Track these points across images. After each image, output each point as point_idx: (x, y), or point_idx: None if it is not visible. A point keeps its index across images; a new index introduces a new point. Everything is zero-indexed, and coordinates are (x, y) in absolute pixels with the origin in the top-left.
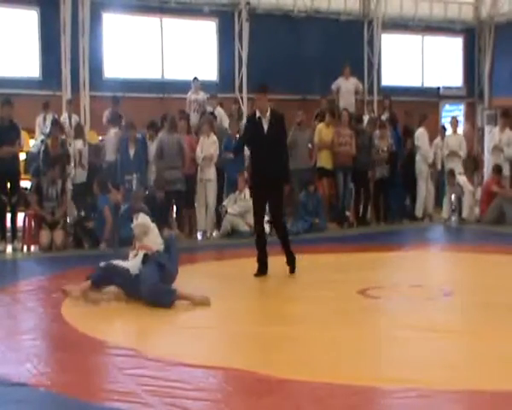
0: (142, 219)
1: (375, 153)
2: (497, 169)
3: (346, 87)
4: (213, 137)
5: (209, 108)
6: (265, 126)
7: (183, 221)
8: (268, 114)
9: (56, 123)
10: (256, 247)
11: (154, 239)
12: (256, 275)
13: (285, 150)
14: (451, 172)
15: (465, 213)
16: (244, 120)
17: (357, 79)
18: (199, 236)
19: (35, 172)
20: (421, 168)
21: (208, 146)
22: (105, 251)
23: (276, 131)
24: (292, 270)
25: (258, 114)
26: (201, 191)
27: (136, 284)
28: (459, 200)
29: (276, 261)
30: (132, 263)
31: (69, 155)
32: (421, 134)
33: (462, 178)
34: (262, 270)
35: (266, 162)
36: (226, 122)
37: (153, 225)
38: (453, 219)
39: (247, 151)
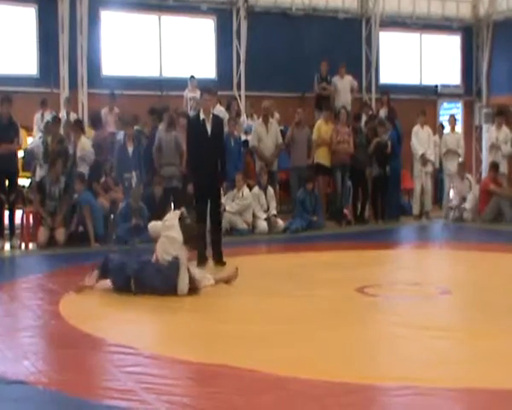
0: (151, 226)
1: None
2: (494, 166)
3: (342, 85)
4: None
5: None
6: (209, 129)
7: None
8: (211, 116)
9: (56, 120)
10: (199, 233)
11: (159, 249)
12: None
13: (224, 152)
14: (462, 166)
15: (468, 206)
16: (242, 118)
17: (355, 77)
18: None
19: (34, 170)
20: (414, 165)
21: None
22: (99, 249)
23: (218, 133)
24: (218, 263)
25: (202, 116)
26: None
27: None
28: (463, 198)
29: (274, 259)
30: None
31: (68, 153)
32: (414, 131)
33: (468, 175)
34: (203, 260)
35: (209, 162)
36: (225, 119)
37: (169, 237)
38: (451, 216)
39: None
